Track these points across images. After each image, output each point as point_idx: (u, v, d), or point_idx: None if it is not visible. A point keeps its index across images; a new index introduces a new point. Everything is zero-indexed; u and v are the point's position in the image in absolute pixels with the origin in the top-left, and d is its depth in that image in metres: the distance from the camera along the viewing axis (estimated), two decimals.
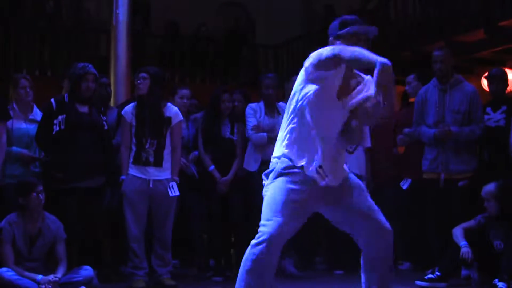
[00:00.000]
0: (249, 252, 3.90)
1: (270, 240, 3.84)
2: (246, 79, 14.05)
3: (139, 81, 6.75)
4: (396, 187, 7.83)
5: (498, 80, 7.40)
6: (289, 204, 3.94)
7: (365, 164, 7.80)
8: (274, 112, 7.47)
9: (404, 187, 7.69)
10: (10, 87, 7.05)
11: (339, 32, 4.21)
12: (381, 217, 4.20)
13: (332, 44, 4.21)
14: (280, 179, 4.02)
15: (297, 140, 4.06)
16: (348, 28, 4.17)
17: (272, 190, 4.02)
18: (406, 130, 7.60)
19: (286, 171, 4.02)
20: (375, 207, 4.24)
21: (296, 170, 4.01)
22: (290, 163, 4.03)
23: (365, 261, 4.28)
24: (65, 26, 13.84)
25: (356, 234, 4.24)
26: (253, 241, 3.89)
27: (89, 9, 14.69)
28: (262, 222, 3.93)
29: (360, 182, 4.29)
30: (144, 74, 6.74)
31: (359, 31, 4.18)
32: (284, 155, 4.06)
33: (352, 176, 4.26)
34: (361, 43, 4.14)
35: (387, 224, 4.18)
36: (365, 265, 4.29)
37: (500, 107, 7.27)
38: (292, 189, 3.97)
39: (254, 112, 7.39)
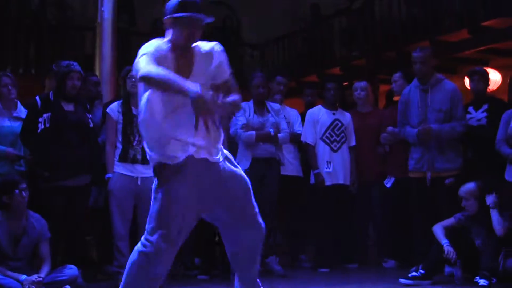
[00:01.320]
0: None
1: None
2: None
3: (134, 80, 6.70)
4: (382, 185, 7.87)
5: (479, 78, 7.43)
6: None
7: (350, 164, 7.85)
8: (264, 110, 7.50)
9: (388, 185, 7.77)
10: None
11: (176, 15, 4.09)
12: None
13: (167, 26, 4.16)
14: None
15: None
16: (188, 13, 4.07)
17: None
18: (389, 128, 7.64)
19: None
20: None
21: None
22: None
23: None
24: (49, 24, 13.77)
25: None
26: None
27: (74, 7, 14.61)
28: None
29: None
30: None
31: (197, 18, 4.09)
32: None
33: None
34: (196, 30, 4.11)
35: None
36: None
37: (481, 106, 7.31)
38: None
39: (244, 111, 7.41)
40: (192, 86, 3.68)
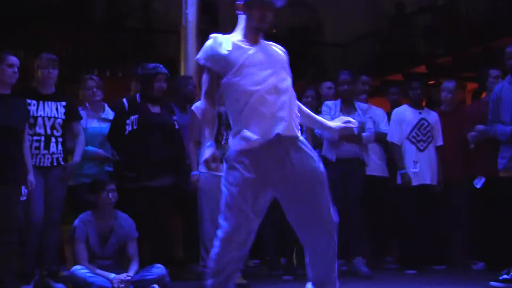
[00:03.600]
0: None
1: None
2: (313, 78, 14.01)
3: None
4: (468, 185, 7.71)
5: None
6: None
7: (436, 164, 7.73)
8: (351, 108, 7.46)
9: (478, 185, 7.56)
10: (80, 88, 7.18)
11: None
12: None
13: (239, 10, 4.28)
14: None
15: None
16: None
17: None
18: (478, 126, 7.48)
19: None
20: None
21: None
22: None
23: None
24: (135, 27, 14.01)
25: None
26: None
27: (158, 10, 14.83)
28: None
29: None
30: None
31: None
32: None
33: None
34: (268, 12, 4.20)
35: None
36: None
37: None
38: None
39: (329, 109, 7.38)
40: None
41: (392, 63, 13.97)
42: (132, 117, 6.59)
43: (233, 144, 4.25)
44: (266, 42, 4.34)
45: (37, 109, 6.37)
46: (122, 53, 13.68)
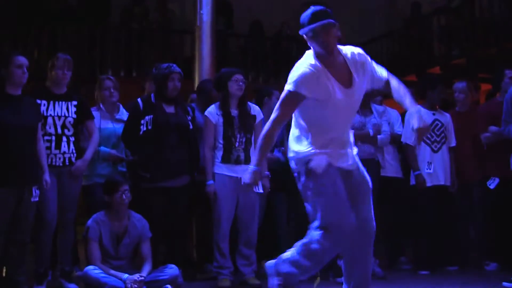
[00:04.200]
0: None
1: None
2: None
3: (241, 83, 6.77)
4: (482, 186, 7.69)
5: None
6: None
7: (450, 164, 7.71)
8: (367, 110, 7.45)
9: (492, 186, 7.53)
10: (96, 88, 7.19)
11: (310, 27, 4.30)
12: None
13: (307, 40, 4.35)
14: None
15: None
16: (319, 22, 4.25)
17: None
18: (492, 128, 7.46)
19: None
20: None
21: None
22: None
23: None
24: (151, 27, 14.02)
25: None
26: None
27: (174, 10, 14.85)
28: None
29: None
30: (243, 77, 6.83)
31: (329, 24, 4.26)
32: None
33: None
34: (331, 37, 4.28)
35: None
36: None
37: None
38: None
39: None
40: None
41: (406, 64, 13.93)
42: (147, 117, 6.57)
43: None
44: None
45: (47, 109, 6.36)
46: (137, 53, 13.69)
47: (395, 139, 7.77)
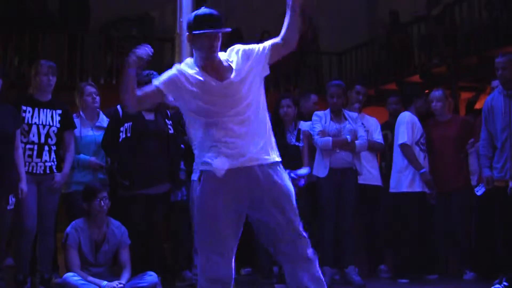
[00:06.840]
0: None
1: None
2: (310, 86, 14.00)
3: None
4: (463, 194, 7.71)
5: None
6: None
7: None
8: (341, 117, 7.46)
9: (479, 193, 7.44)
10: (76, 95, 7.15)
11: (194, 32, 4.27)
12: None
13: (189, 41, 4.39)
14: None
15: None
16: (203, 30, 4.24)
17: None
18: (472, 141, 7.52)
19: None
20: None
21: None
22: None
23: None
24: (130, 35, 14.00)
25: None
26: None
27: (154, 18, 14.83)
28: None
29: None
30: None
31: (213, 33, 4.26)
32: None
33: None
34: (215, 42, 4.33)
35: None
36: None
37: None
38: None
39: (320, 118, 7.39)
40: None
41: (386, 72, 13.98)
42: (126, 124, 6.56)
43: None
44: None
45: (32, 116, 6.36)
46: (117, 60, 13.65)
47: (374, 147, 7.79)
